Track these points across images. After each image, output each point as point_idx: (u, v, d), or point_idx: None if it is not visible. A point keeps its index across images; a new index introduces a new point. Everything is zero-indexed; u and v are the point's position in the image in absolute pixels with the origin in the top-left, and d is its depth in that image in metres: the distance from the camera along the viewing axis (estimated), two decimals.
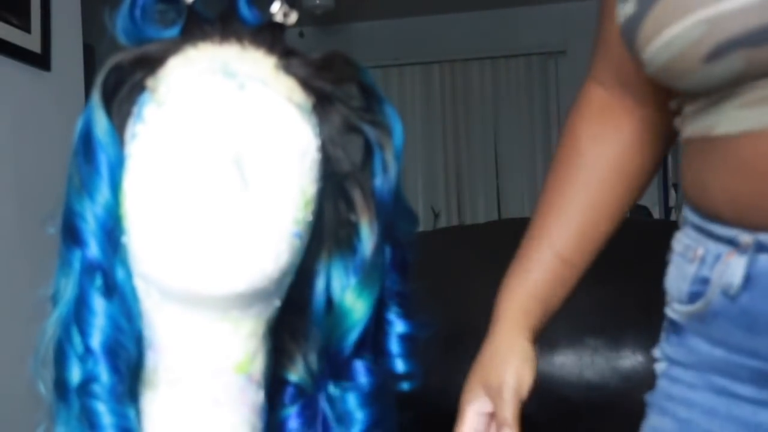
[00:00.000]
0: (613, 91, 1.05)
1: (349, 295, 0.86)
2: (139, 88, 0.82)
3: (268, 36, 0.82)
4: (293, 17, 0.83)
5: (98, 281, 0.80)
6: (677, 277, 0.87)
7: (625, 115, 1.05)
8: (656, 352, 0.92)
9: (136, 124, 0.80)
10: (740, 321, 0.79)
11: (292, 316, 0.88)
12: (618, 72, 1.03)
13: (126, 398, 0.80)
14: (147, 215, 0.77)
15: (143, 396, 0.83)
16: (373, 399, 0.88)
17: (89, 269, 0.80)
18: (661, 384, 0.90)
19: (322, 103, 0.84)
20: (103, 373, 0.79)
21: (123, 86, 0.83)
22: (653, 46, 0.76)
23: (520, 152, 5.85)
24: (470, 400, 1.02)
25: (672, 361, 0.89)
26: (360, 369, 0.88)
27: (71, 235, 0.81)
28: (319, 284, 0.88)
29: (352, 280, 0.86)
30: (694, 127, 0.83)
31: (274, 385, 0.89)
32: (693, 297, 0.84)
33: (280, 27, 0.83)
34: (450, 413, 1.04)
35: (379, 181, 0.87)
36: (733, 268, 0.78)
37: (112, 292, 0.81)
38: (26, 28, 2.40)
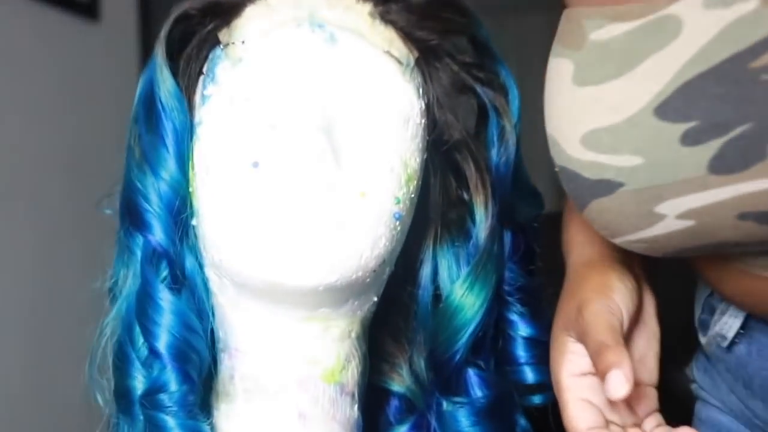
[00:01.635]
0: None
1: (459, 288, 0.81)
2: (211, 43, 0.78)
3: None
4: None
5: (164, 272, 0.77)
6: (697, 296, 0.87)
7: None
8: (688, 372, 0.92)
9: (208, 85, 0.77)
10: (737, 374, 0.79)
11: (393, 315, 0.86)
12: None
13: (198, 410, 0.76)
14: (220, 194, 0.74)
15: (217, 409, 0.80)
16: (490, 416, 0.83)
17: (153, 257, 0.77)
18: (696, 405, 0.89)
19: (426, 58, 0.80)
20: (172, 381, 0.75)
21: (191, 40, 0.80)
22: None
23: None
24: (559, 361, 0.77)
25: (701, 387, 0.88)
26: (474, 380, 0.83)
27: (132, 217, 0.78)
28: (425, 276, 0.84)
29: (464, 271, 0.82)
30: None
31: (375, 396, 0.87)
32: (702, 325, 0.84)
33: None
34: None
35: (495, 153, 0.83)
36: (730, 316, 0.79)
37: (180, 285, 0.77)
38: None
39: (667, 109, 0.62)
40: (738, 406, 0.82)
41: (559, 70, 0.72)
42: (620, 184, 0.66)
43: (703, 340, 0.83)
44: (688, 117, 0.61)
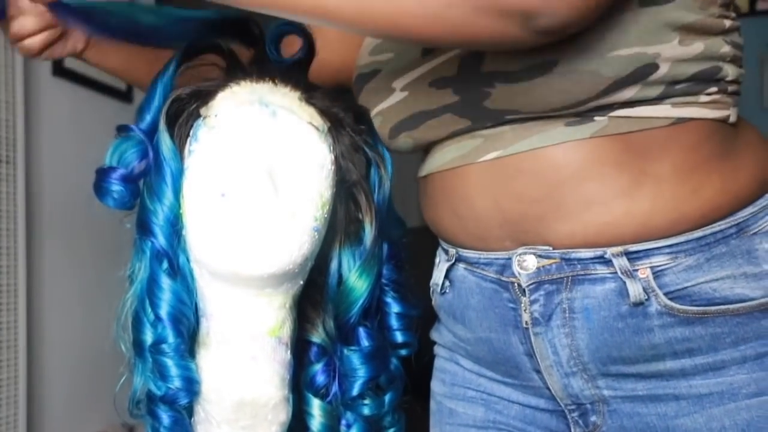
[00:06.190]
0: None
1: (354, 275, 0.84)
2: (195, 116, 0.80)
3: (294, 75, 0.81)
4: None
5: (165, 265, 0.79)
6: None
7: None
8: (431, 335, 0.93)
9: (192, 143, 0.79)
10: (449, 312, 0.81)
11: (313, 292, 0.87)
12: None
13: (187, 355, 0.79)
14: (201, 213, 0.76)
15: (198, 353, 0.82)
16: (372, 358, 0.86)
17: (157, 255, 0.79)
18: (435, 360, 0.91)
19: (335, 127, 0.82)
20: (170, 336, 0.77)
21: (182, 114, 0.81)
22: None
23: None
24: None
25: (435, 342, 0.90)
26: (363, 334, 0.86)
27: (144, 228, 0.80)
28: (333, 267, 0.86)
29: (357, 264, 0.85)
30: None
31: (300, 345, 0.88)
32: (432, 294, 0.86)
33: (304, 68, 0.82)
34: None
35: (377, 191, 0.86)
36: (440, 272, 0.81)
37: (175, 273, 0.79)
38: None
39: None
40: (450, 339, 0.83)
41: None
42: (379, 71, 0.74)
43: (433, 302, 0.84)
44: None
